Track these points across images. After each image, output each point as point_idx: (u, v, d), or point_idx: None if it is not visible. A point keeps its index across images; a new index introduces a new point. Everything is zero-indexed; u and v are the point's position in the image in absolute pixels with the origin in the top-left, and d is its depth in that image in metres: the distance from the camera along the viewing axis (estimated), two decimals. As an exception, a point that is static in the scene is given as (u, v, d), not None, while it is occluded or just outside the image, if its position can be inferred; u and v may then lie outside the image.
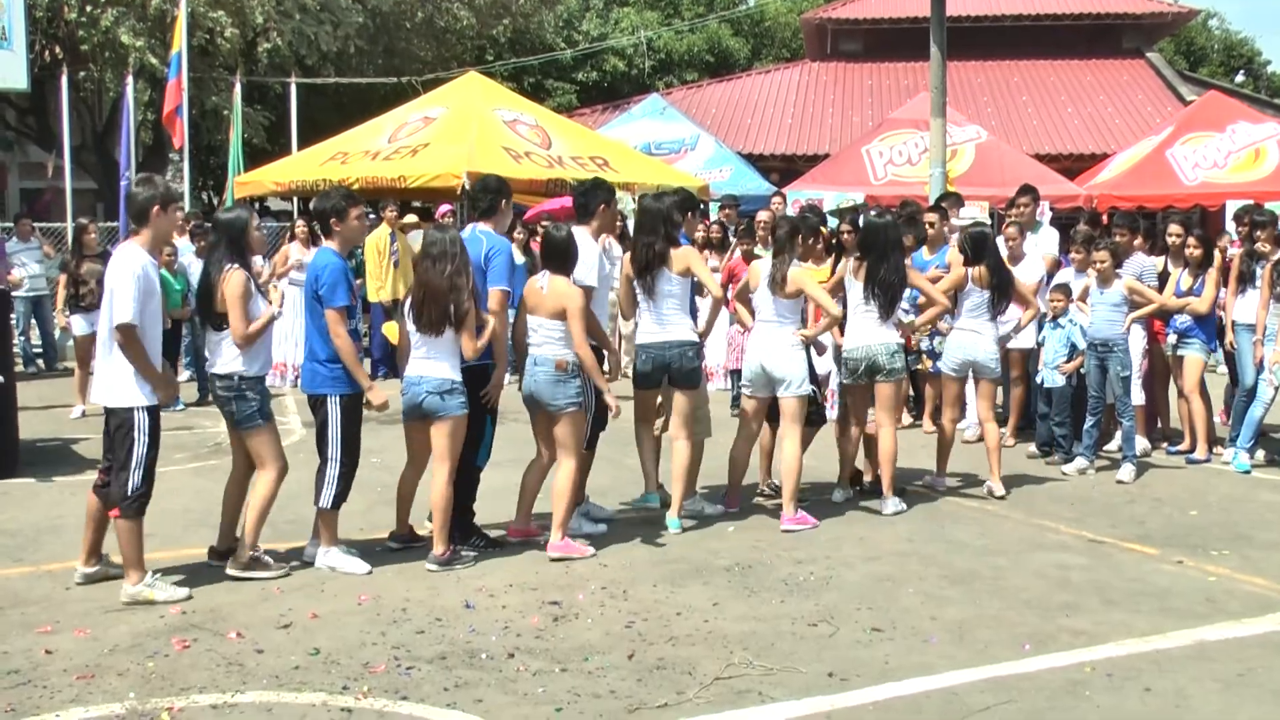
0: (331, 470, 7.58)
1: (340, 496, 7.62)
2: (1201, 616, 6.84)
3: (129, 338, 6.87)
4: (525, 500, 8.31)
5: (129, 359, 6.91)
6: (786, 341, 8.72)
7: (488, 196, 8.24)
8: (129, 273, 6.90)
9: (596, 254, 8.44)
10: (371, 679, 5.78)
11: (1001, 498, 9.72)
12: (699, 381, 8.85)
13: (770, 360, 8.71)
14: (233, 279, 7.40)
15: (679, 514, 8.64)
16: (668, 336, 8.61)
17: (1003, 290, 9.95)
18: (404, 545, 8.08)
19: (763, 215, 14.88)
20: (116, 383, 6.98)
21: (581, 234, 8.38)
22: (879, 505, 9.20)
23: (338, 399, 7.54)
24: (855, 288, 9.26)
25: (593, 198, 8.64)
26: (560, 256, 8.02)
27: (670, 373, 8.61)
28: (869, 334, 9.18)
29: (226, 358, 7.49)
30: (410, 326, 7.68)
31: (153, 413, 7.05)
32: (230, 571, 7.46)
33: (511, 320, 8.54)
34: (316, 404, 7.64)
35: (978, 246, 9.95)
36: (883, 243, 9.21)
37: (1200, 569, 7.74)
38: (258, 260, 16.33)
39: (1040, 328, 11.51)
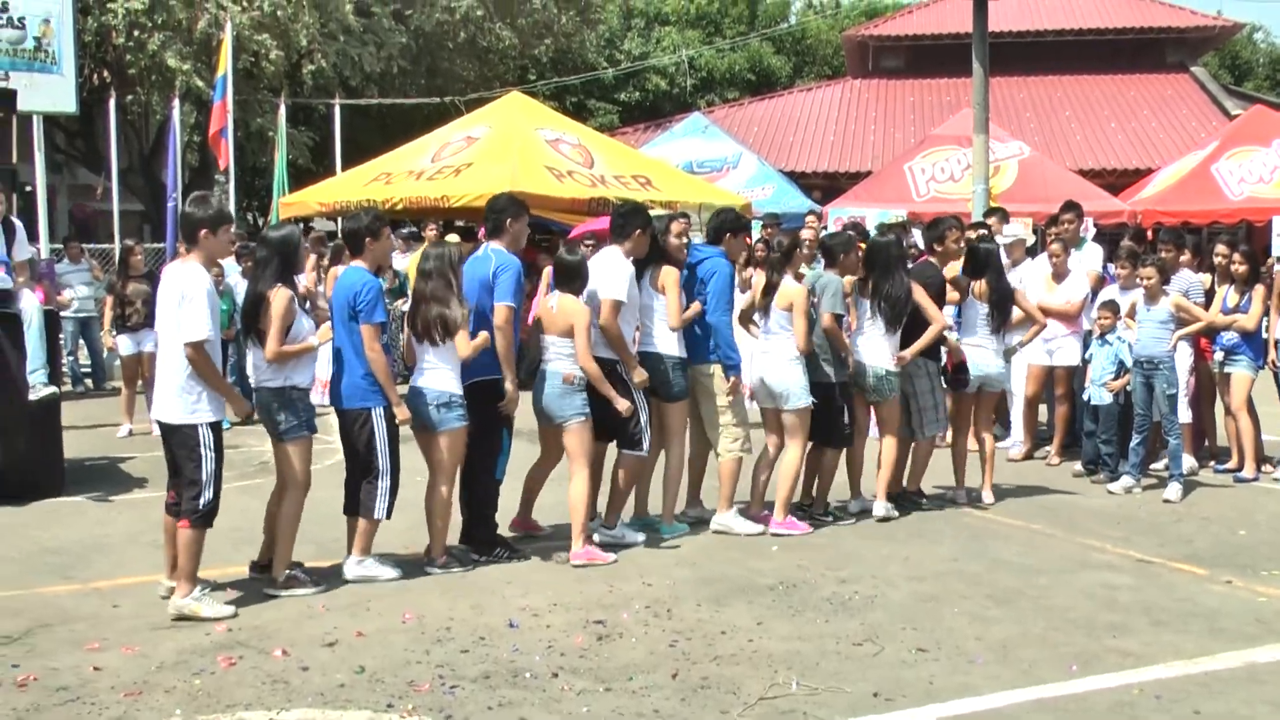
0: (383, 483, 7.71)
1: (392, 507, 7.80)
2: (1252, 638, 6.77)
3: (201, 354, 6.96)
4: (526, 496, 9.01)
5: (202, 375, 7.00)
6: (785, 355, 9.04)
7: (494, 216, 8.45)
8: (200, 289, 6.99)
9: (628, 272, 8.55)
10: (416, 697, 5.79)
11: (986, 506, 10.03)
12: (676, 396, 8.86)
13: (769, 374, 9.12)
14: (279, 296, 7.43)
15: (669, 521, 9.12)
16: (645, 349, 8.79)
17: (1002, 305, 10.02)
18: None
19: (806, 234, 14.89)
20: (178, 400, 7.02)
21: (613, 251, 8.65)
22: (872, 507, 9.66)
23: (381, 410, 7.65)
24: (863, 304, 9.52)
25: (630, 221, 8.76)
26: (571, 277, 8.43)
27: (653, 385, 8.71)
28: (866, 351, 9.45)
29: (271, 370, 7.53)
30: (413, 340, 8.10)
31: (215, 428, 7.13)
32: (268, 590, 7.54)
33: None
34: (357, 419, 7.68)
35: (979, 261, 10.14)
36: (885, 259, 9.47)
37: (1250, 589, 7.67)
38: (301, 278, 16.50)
39: (1086, 345, 11.45)
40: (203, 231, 7.10)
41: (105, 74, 25.91)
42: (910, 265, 10.01)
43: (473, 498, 8.36)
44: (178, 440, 7.07)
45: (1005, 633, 6.81)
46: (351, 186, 19.03)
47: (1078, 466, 11.45)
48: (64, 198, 31.37)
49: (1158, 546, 8.68)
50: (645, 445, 8.60)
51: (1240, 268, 11.09)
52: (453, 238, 17.21)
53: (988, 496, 10.13)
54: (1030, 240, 12.44)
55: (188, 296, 6.95)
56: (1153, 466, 11.07)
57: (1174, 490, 10.28)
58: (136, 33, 23.45)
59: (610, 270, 8.51)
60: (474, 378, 8.04)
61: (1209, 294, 11.47)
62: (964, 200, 18.58)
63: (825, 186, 27.10)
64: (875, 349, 9.41)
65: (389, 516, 7.81)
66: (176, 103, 21.93)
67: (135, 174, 27.78)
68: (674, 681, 6.01)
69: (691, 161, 23.63)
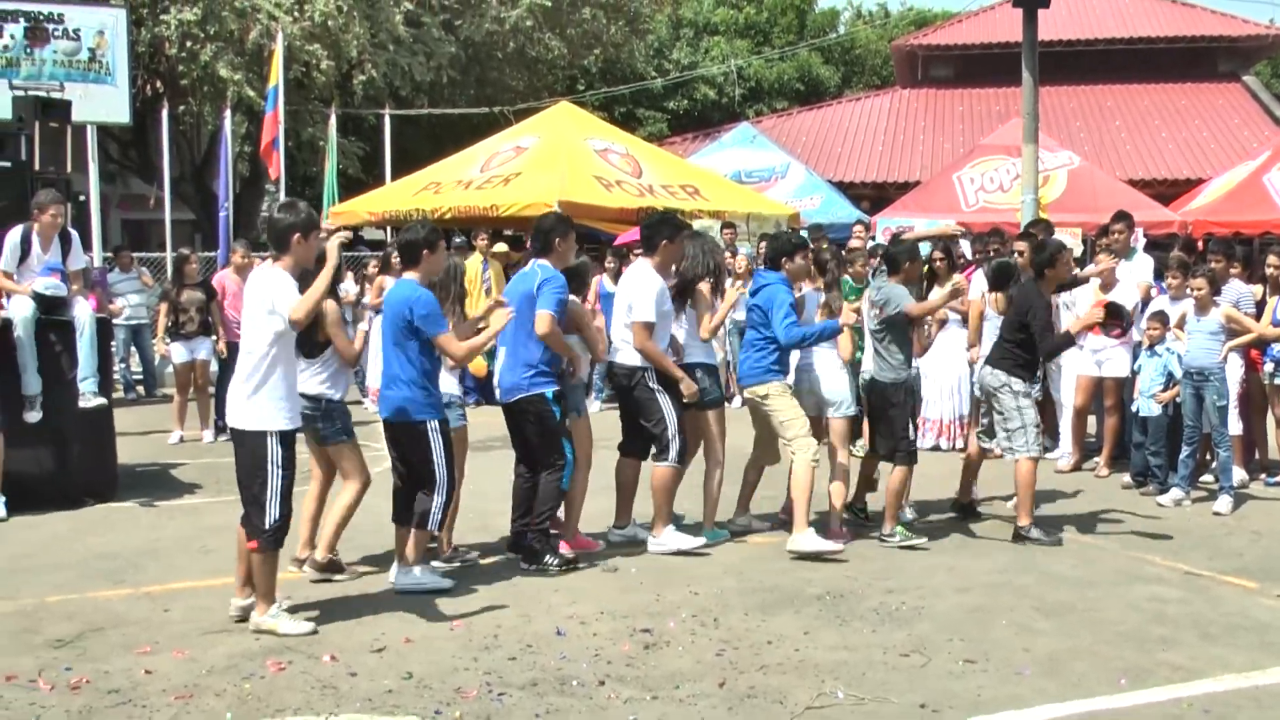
0: (440, 496, 7.60)
1: (444, 519, 7.81)
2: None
3: (299, 324, 6.80)
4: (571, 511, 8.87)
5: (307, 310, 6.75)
6: (834, 364, 9.28)
7: (542, 235, 8.52)
8: (290, 292, 6.77)
9: (656, 288, 8.57)
10: (463, 704, 5.82)
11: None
12: (709, 403, 9.00)
13: (822, 383, 9.26)
14: (330, 308, 7.80)
15: (709, 526, 9.21)
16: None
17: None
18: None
19: (854, 243, 14.90)
20: (248, 407, 6.81)
21: (643, 266, 8.72)
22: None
23: (436, 424, 7.60)
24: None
25: (657, 232, 8.80)
26: (580, 282, 9.12)
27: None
28: (869, 361, 9.52)
29: (314, 382, 7.92)
30: None
31: (285, 439, 6.83)
32: (307, 570, 8.11)
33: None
34: (410, 432, 7.59)
35: (999, 275, 10.37)
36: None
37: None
38: (351, 286, 16.61)
39: (1135, 356, 11.38)
40: (295, 236, 6.87)
41: (158, 84, 26.20)
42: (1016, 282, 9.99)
43: (533, 508, 8.28)
44: (245, 450, 6.86)
45: (1054, 645, 6.78)
46: (401, 196, 19.15)
47: (1126, 478, 11.37)
48: (116, 208, 31.73)
49: (1207, 560, 8.62)
50: (673, 454, 8.55)
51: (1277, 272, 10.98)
52: (501, 246, 17.31)
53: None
54: (1079, 251, 12.36)
55: (274, 293, 6.76)
56: (1202, 479, 10.98)
57: (1224, 503, 10.20)
58: (189, 43, 23.68)
59: (639, 289, 8.60)
60: (520, 394, 8.20)
61: (1260, 305, 11.37)
62: (1013, 210, 18.48)
63: (873, 197, 27.04)
64: (872, 358, 9.53)
65: (440, 529, 7.82)
66: (228, 113, 22.13)
67: (187, 183, 28.04)
68: (721, 690, 6.02)
69: (740, 171, 23.64)
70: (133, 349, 17.95)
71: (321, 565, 8.05)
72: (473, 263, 16.69)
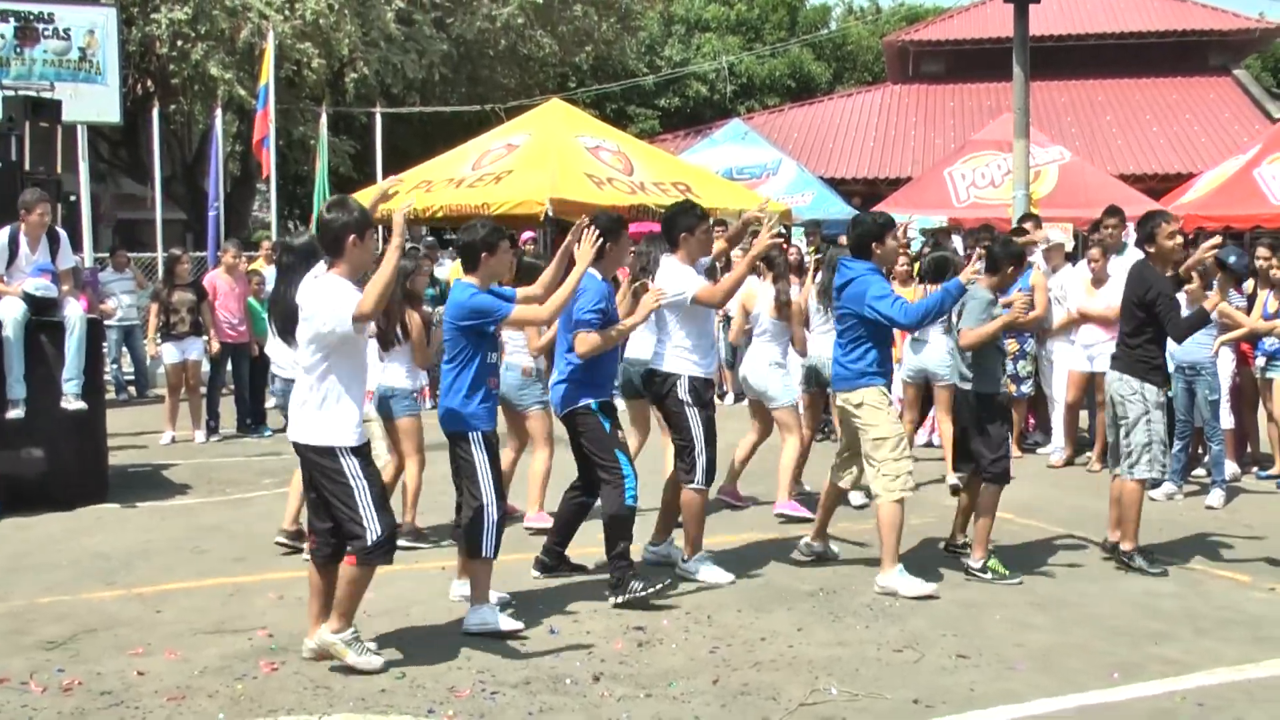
0: (490, 515, 6.87)
1: (497, 543, 6.96)
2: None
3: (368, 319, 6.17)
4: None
5: (381, 295, 6.06)
6: (765, 359, 9.64)
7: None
8: (342, 287, 6.13)
9: (690, 273, 7.94)
10: (456, 703, 5.82)
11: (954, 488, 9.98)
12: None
13: (750, 375, 9.74)
14: None
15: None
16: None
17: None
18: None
19: (844, 239, 14.89)
20: (317, 421, 6.19)
21: (670, 263, 8.02)
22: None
23: (479, 435, 6.93)
24: (812, 303, 10.07)
25: (674, 225, 8.07)
26: (530, 277, 8.56)
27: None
28: (821, 346, 9.83)
29: (290, 370, 8.50)
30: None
31: (359, 453, 6.25)
32: (279, 540, 8.76)
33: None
34: (459, 441, 7.01)
35: (937, 269, 10.39)
36: (833, 264, 9.49)
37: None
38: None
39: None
40: (350, 238, 6.18)
41: (149, 84, 26.15)
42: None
43: (605, 538, 7.57)
44: (319, 470, 6.21)
45: (1047, 640, 6.78)
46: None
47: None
48: (108, 207, 31.66)
49: (1200, 553, 8.63)
50: (698, 475, 7.77)
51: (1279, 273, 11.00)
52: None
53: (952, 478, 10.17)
54: (1070, 246, 12.38)
55: (316, 311, 6.13)
56: (1194, 473, 11.00)
57: (1216, 497, 10.22)
58: (180, 42, 23.66)
59: (670, 281, 7.83)
60: (567, 407, 7.65)
61: (1250, 299, 11.38)
62: (1004, 205, 18.51)
63: (865, 193, 27.05)
64: (825, 342, 9.66)
65: (495, 555, 6.91)
66: (219, 112, 22.10)
67: (178, 183, 28.02)
68: (714, 687, 6.02)
69: (731, 168, 23.63)
70: (124, 349, 17.93)
71: (290, 534, 8.77)
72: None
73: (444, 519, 8.86)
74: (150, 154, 22.81)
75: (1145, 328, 8.16)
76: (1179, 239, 8.32)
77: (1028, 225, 13.23)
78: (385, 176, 21.67)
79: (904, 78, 34.50)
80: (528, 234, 17.45)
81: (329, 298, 6.09)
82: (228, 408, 14.68)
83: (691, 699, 5.86)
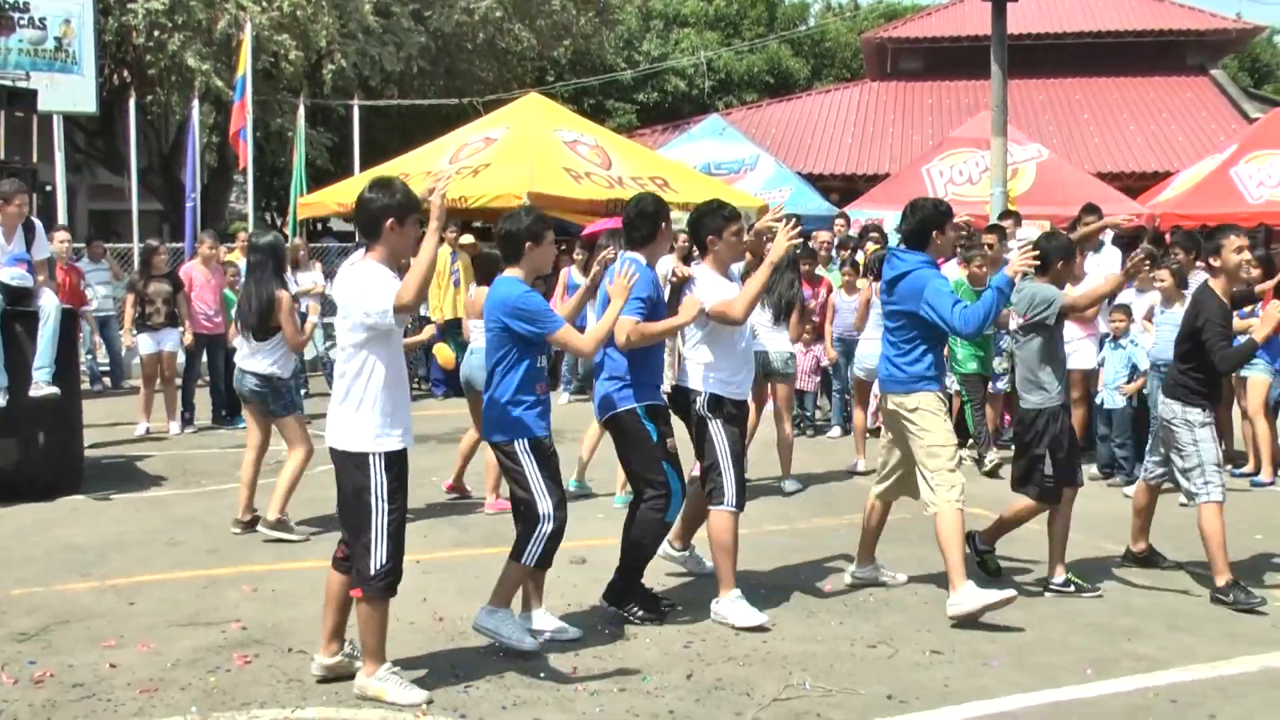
0: (545, 527, 6.41)
1: (550, 554, 6.55)
2: (1268, 642, 6.76)
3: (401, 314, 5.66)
4: (462, 463, 10.30)
5: (417, 291, 5.60)
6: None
7: (637, 223, 7.28)
8: (387, 289, 5.64)
9: (724, 282, 7.30)
10: (432, 694, 5.80)
11: (790, 493, 10.52)
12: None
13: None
14: (285, 297, 9.07)
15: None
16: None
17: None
18: None
19: (823, 235, 14.92)
20: (346, 424, 5.74)
21: (703, 272, 7.35)
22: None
23: (527, 443, 6.45)
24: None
25: (701, 228, 7.40)
26: (490, 270, 8.65)
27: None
28: (765, 339, 10.44)
29: (265, 363, 9.06)
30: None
31: (394, 460, 5.74)
32: (261, 529, 8.92)
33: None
34: (505, 450, 6.51)
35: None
36: (783, 262, 9.66)
37: (1266, 593, 7.64)
38: (319, 278, 16.55)
39: (1101, 347, 11.43)
40: (389, 222, 5.75)
41: (125, 74, 25.99)
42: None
43: (626, 542, 7.15)
44: (346, 474, 5.75)
45: (1020, 636, 6.80)
46: (369, 187, 19.04)
47: (1093, 470, 11.42)
48: (84, 198, 31.51)
49: (1174, 550, 8.65)
50: (727, 497, 7.04)
51: (1254, 272, 11.03)
52: (468, 238, 17.27)
53: (863, 464, 11.49)
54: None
55: (365, 285, 5.67)
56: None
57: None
58: (157, 33, 23.53)
59: (705, 291, 7.23)
60: (608, 411, 7.10)
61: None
62: (982, 203, 18.53)
63: (843, 189, 27.07)
64: (773, 337, 10.66)
65: (539, 565, 6.52)
66: (196, 103, 22.01)
67: (154, 174, 27.86)
68: (688, 682, 6.02)
69: (709, 163, 23.62)
70: (99, 340, 17.84)
71: (272, 524, 8.91)
72: (441, 255, 16.64)
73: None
74: (126, 144, 22.69)
75: (1195, 354, 7.67)
76: (1246, 254, 7.91)
77: (1006, 223, 13.27)
78: (363, 169, 21.66)
79: (882, 75, 34.54)
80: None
81: (365, 286, 5.64)
82: (203, 399, 14.64)
83: (665, 693, 5.86)
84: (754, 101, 37.12)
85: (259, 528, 8.98)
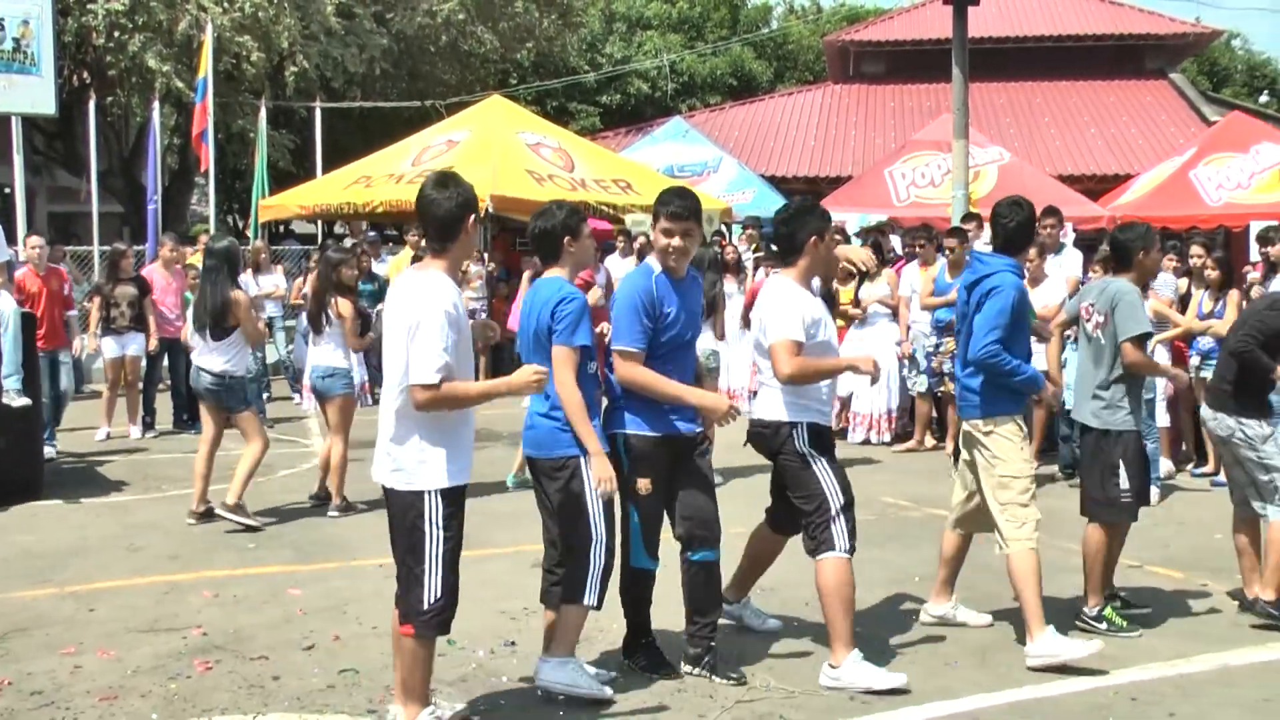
0: (596, 557, 5.78)
1: (604, 589, 5.87)
2: (1226, 640, 6.81)
3: (435, 399, 5.11)
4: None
5: (455, 405, 5.20)
6: None
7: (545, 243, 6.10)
8: (439, 310, 5.13)
9: (799, 303, 6.26)
10: (393, 700, 5.78)
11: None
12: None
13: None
14: (242, 298, 9.56)
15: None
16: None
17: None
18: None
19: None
20: (402, 459, 5.24)
21: (783, 285, 6.35)
22: None
23: (583, 461, 5.74)
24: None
25: (801, 226, 6.37)
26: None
27: None
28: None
29: (220, 360, 9.48)
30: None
31: (451, 498, 5.23)
32: (218, 511, 9.32)
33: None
34: (552, 470, 5.81)
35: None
36: (703, 262, 9.86)
37: (1225, 592, 7.70)
38: (281, 280, 16.48)
39: (1062, 349, 11.48)
40: (469, 220, 5.29)
41: (85, 75, 25.83)
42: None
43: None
44: (397, 512, 5.30)
45: (983, 636, 6.84)
46: (332, 189, 19.01)
47: (1055, 471, 11.48)
48: (43, 200, 31.27)
49: (1135, 550, 8.67)
50: (841, 543, 6.12)
51: (1213, 273, 11.13)
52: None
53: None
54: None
55: (417, 324, 5.12)
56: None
57: (1151, 494, 10.31)
58: (117, 34, 23.37)
59: (771, 307, 6.30)
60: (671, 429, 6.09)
61: (1185, 298, 11.52)
62: (944, 205, 18.60)
63: (806, 191, 27.07)
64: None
65: (600, 605, 5.86)
66: (157, 104, 21.87)
67: (115, 176, 27.68)
68: (651, 684, 6.01)
69: (672, 165, 23.64)
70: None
71: (230, 507, 9.29)
72: (403, 258, 16.62)
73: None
74: (86, 146, 22.53)
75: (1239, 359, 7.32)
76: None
77: (969, 226, 13.34)
78: (325, 171, 21.58)
79: (844, 77, 34.62)
80: None
81: (422, 337, 5.12)
82: (164, 403, 14.55)
83: (628, 696, 5.86)
84: (717, 104, 37.16)
85: (217, 510, 9.38)
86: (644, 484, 6.02)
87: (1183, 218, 18.73)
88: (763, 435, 6.35)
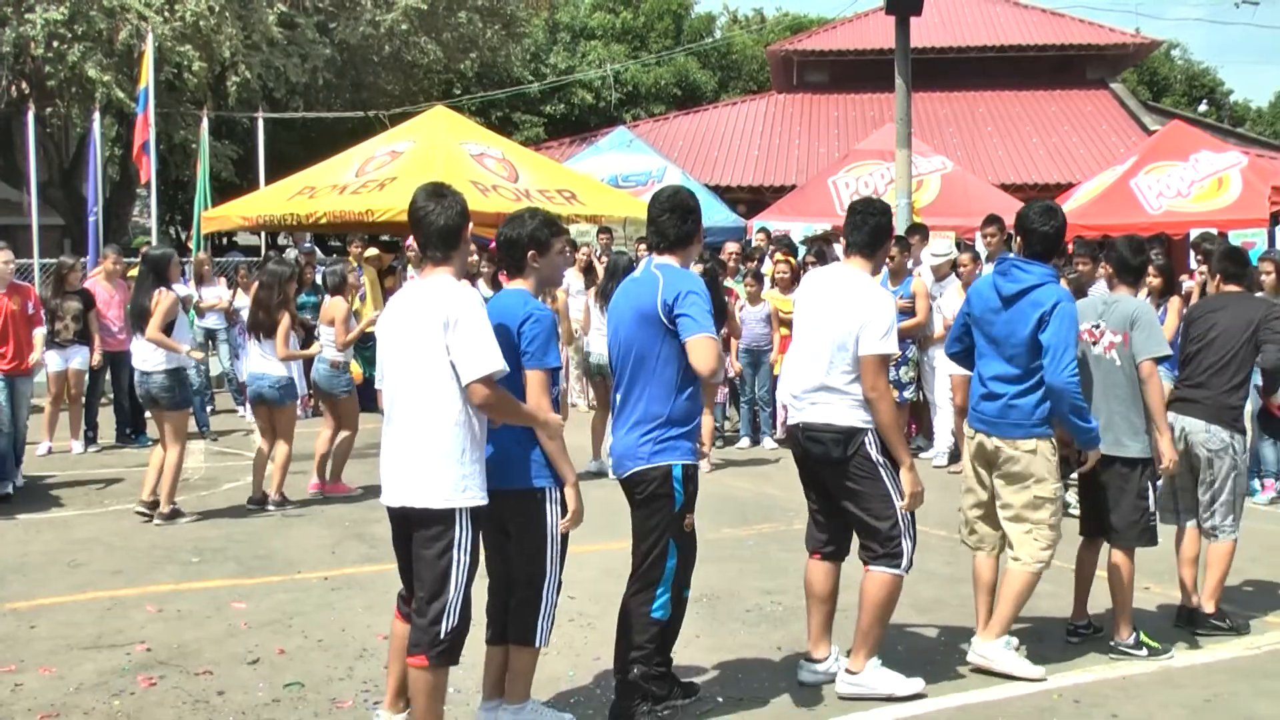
0: (549, 591, 5.45)
1: (550, 627, 5.54)
2: (1167, 642, 6.87)
3: (496, 393, 5.04)
4: (321, 464, 11.17)
5: (510, 418, 5.19)
6: None
7: (669, 223, 5.84)
8: (475, 309, 5.07)
9: (889, 305, 6.12)
10: (340, 714, 5.76)
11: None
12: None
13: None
14: (166, 297, 10.00)
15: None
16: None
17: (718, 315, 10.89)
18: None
19: (731, 246, 15.01)
20: (432, 475, 5.04)
21: (857, 275, 6.21)
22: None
23: (558, 493, 5.42)
24: (595, 308, 12.01)
25: (880, 240, 6.28)
26: (340, 285, 11.36)
27: None
28: (596, 341, 11.91)
29: (153, 360, 10.00)
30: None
31: (475, 516, 5.12)
32: (156, 522, 9.86)
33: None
34: (520, 504, 5.39)
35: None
36: (617, 269, 11.00)
37: (1167, 595, 7.78)
38: (224, 292, 16.37)
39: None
40: (469, 228, 5.34)
41: (23, 86, 25.56)
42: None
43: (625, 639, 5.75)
44: (424, 531, 5.09)
45: (928, 642, 6.88)
46: (275, 200, 18.86)
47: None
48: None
49: (1074, 553, 8.78)
50: (905, 558, 6.06)
51: (1154, 280, 11.24)
52: (373, 251, 17.18)
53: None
54: (954, 255, 12.58)
55: (457, 321, 5.01)
56: (1073, 477, 11.18)
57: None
58: (56, 43, 23.13)
59: (864, 307, 6.02)
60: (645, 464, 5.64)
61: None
62: (887, 214, 18.72)
63: (750, 200, 27.23)
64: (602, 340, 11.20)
65: (547, 643, 5.57)
66: (97, 115, 21.66)
67: (54, 188, 27.38)
68: (599, 694, 6.02)
69: (616, 175, 23.63)
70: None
71: (167, 516, 9.92)
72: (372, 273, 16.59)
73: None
74: (26, 158, 22.29)
75: (1240, 371, 7.25)
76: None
77: (913, 239, 13.43)
78: (269, 182, 21.44)
79: (788, 87, 34.79)
80: (412, 241, 17.34)
81: (471, 337, 5.02)
82: (106, 418, 14.41)
83: (577, 706, 5.86)
84: (661, 114, 37.28)
85: (155, 521, 9.92)
86: (690, 520, 5.74)
87: (1123, 226, 18.83)
88: (834, 441, 6.00)
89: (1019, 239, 6.65)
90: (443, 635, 5.06)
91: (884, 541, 6.00)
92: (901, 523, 6.00)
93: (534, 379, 5.30)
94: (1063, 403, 6.19)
